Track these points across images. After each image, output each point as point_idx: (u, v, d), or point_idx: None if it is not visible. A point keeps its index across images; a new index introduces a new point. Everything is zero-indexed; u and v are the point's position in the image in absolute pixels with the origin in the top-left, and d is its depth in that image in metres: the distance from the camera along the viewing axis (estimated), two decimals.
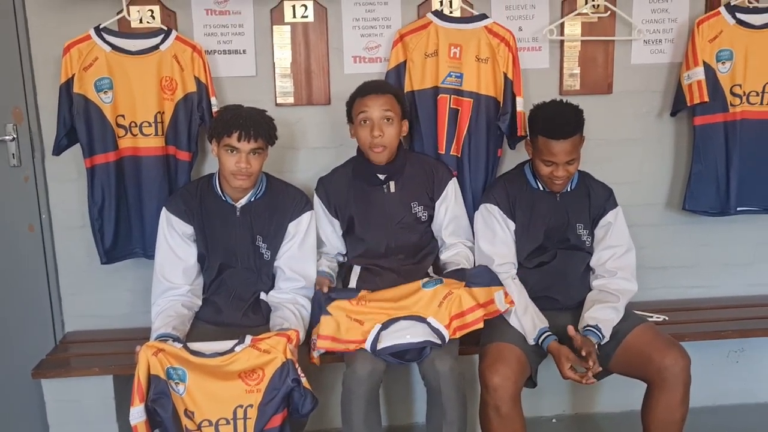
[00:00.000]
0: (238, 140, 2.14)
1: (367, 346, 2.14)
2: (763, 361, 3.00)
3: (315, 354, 2.22)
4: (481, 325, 2.18)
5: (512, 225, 2.37)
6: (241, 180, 2.20)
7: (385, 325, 2.15)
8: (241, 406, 1.98)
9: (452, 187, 2.46)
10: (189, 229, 2.29)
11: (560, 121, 2.21)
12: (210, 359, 1.97)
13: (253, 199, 2.31)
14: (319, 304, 2.23)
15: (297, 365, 1.98)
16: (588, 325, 2.20)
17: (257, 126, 2.17)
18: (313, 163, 2.65)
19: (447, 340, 2.16)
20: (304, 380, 1.98)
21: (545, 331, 2.21)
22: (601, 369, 2.13)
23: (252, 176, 2.21)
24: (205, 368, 1.97)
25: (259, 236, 2.31)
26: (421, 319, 2.16)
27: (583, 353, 2.09)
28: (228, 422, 1.97)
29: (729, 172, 2.67)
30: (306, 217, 2.34)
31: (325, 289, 2.25)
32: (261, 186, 2.32)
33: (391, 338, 2.14)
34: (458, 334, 2.18)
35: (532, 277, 2.36)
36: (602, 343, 2.19)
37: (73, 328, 2.70)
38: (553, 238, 2.37)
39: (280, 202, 2.33)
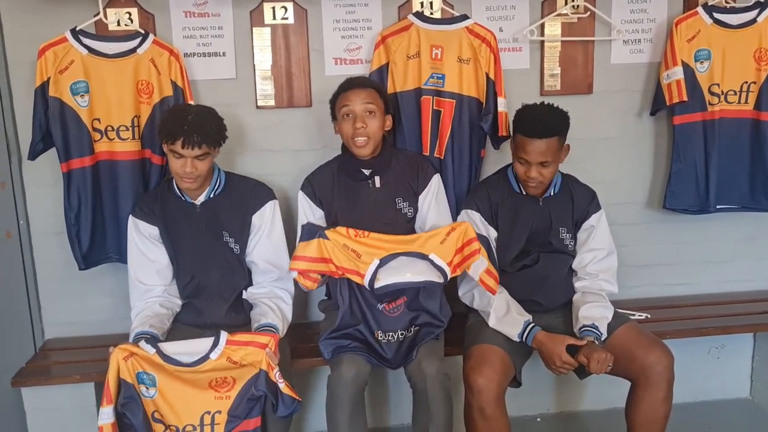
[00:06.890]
0: (182, 147, 2.10)
1: (366, 282, 2.09)
2: (744, 357, 3.04)
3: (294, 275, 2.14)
4: (477, 257, 2.13)
5: (493, 233, 2.35)
6: (188, 182, 2.18)
7: (384, 261, 2.10)
8: (209, 413, 1.98)
9: (436, 182, 2.43)
10: (155, 231, 2.27)
11: (537, 120, 2.22)
12: (182, 368, 1.95)
13: (212, 195, 2.28)
14: (311, 232, 2.13)
15: (274, 370, 1.96)
16: (585, 325, 2.20)
17: (202, 133, 2.11)
18: (294, 166, 2.63)
19: (448, 278, 2.14)
20: (283, 385, 1.96)
21: (530, 323, 2.20)
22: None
23: (199, 178, 2.19)
24: (176, 374, 1.96)
25: (224, 232, 2.28)
26: (423, 256, 2.12)
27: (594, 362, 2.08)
28: (195, 429, 1.98)
29: (708, 170, 2.69)
30: (269, 206, 2.32)
31: None
32: (219, 182, 2.30)
33: (391, 276, 2.10)
34: (458, 271, 2.16)
35: (516, 281, 2.34)
36: (602, 340, 2.19)
37: (52, 335, 2.66)
38: (535, 242, 2.36)
39: (240, 196, 2.31)
